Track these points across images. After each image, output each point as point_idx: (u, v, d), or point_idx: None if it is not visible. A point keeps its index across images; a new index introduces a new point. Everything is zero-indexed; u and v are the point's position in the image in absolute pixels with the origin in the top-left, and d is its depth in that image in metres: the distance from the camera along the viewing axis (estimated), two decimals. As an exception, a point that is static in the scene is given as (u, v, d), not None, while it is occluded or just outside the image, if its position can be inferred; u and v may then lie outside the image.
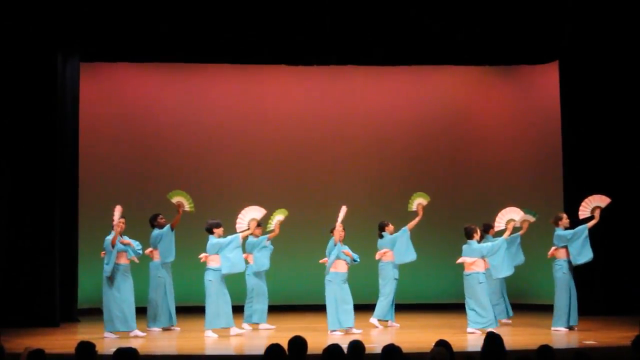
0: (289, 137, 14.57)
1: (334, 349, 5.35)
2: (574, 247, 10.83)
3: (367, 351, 5.68)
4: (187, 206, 10.93)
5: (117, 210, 10.41)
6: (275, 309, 12.15)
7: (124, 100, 14.34)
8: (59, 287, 11.82)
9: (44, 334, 10.61)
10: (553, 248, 10.88)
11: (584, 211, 10.94)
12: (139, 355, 5.33)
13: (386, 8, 12.05)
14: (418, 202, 11.68)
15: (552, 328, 10.66)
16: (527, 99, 14.41)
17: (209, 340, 10.14)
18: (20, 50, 11.76)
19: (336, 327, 10.53)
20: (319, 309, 13.46)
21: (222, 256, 10.50)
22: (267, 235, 11.39)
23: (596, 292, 11.95)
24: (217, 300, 10.42)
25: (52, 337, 10.31)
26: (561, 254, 10.84)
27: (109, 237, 10.39)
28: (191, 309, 12.41)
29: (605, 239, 12.05)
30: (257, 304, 11.39)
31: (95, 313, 13.38)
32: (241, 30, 12.18)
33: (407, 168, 14.67)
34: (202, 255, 10.67)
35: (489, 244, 10.88)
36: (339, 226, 10.68)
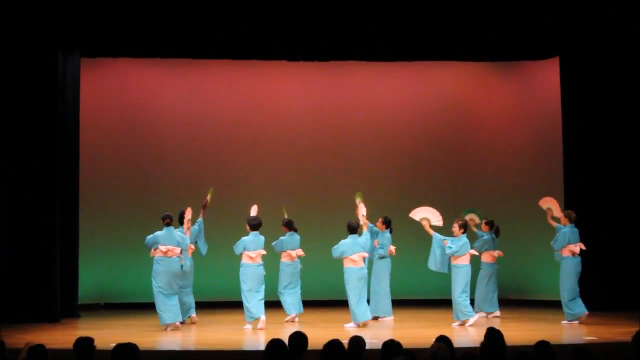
0: (290, 132, 14.55)
1: (334, 344, 5.34)
2: None
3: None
4: (208, 196, 11.77)
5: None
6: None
7: (125, 95, 14.31)
8: (59, 282, 11.81)
9: (45, 329, 10.61)
10: (580, 244, 11.06)
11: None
12: (139, 351, 5.34)
13: (387, 4, 12.03)
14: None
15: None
16: (528, 95, 14.39)
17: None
18: (21, 46, 11.73)
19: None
20: (317, 305, 13.53)
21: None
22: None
23: (596, 288, 11.94)
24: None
25: (53, 332, 10.31)
26: None
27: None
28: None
29: (605, 235, 12.06)
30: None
31: (95, 309, 13.41)
32: (243, 26, 12.16)
33: (408, 163, 14.67)
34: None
35: None
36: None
